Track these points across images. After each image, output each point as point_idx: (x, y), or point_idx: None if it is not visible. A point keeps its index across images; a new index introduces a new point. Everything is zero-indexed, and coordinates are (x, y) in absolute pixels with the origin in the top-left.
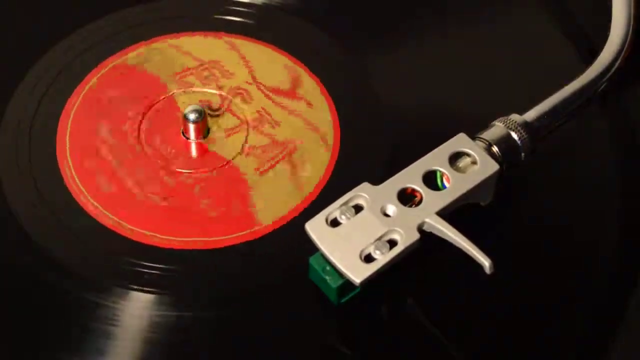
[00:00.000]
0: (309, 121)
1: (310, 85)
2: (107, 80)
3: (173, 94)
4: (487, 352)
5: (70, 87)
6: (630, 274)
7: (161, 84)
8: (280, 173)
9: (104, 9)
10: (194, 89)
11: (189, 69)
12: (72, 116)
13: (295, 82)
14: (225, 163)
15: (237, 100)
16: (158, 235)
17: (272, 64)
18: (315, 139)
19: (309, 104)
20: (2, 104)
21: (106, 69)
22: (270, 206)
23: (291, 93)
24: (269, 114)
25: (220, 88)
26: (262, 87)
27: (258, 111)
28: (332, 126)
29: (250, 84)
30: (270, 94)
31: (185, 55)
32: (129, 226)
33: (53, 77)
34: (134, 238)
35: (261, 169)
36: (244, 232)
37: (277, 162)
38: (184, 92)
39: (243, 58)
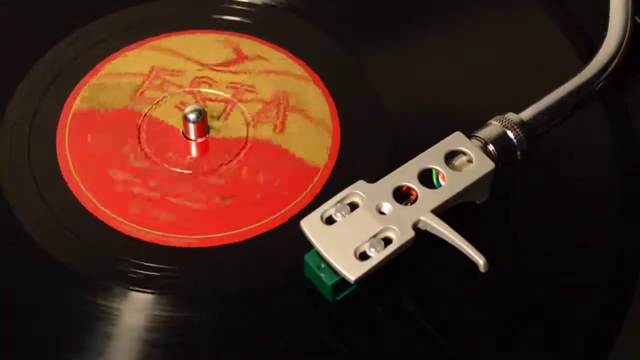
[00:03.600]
0: (280, 71)
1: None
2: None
3: (146, 113)
4: (483, 351)
5: (70, 87)
6: (630, 274)
7: (129, 111)
8: (296, 121)
9: (104, 9)
10: (162, 98)
11: (140, 86)
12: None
13: (238, 52)
14: (244, 142)
15: (205, 88)
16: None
17: (206, 46)
18: (298, 82)
19: (263, 58)
20: (2, 104)
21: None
22: (312, 150)
23: (240, 60)
24: (240, 84)
25: (180, 87)
26: (213, 67)
27: (229, 86)
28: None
29: (201, 70)
30: (224, 69)
31: (126, 76)
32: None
33: (53, 77)
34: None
35: (277, 128)
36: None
37: (285, 115)
38: (156, 105)
39: (177, 53)
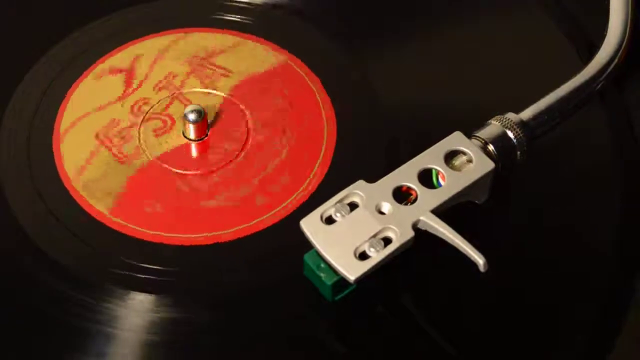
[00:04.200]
0: None
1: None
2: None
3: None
4: (483, 351)
5: (70, 87)
6: (630, 274)
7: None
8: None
9: (104, 9)
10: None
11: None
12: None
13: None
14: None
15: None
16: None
17: None
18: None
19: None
20: (1, 103)
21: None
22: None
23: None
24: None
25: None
26: None
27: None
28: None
29: None
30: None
31: None
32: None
33: (53, 77)
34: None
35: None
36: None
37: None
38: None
39: None
